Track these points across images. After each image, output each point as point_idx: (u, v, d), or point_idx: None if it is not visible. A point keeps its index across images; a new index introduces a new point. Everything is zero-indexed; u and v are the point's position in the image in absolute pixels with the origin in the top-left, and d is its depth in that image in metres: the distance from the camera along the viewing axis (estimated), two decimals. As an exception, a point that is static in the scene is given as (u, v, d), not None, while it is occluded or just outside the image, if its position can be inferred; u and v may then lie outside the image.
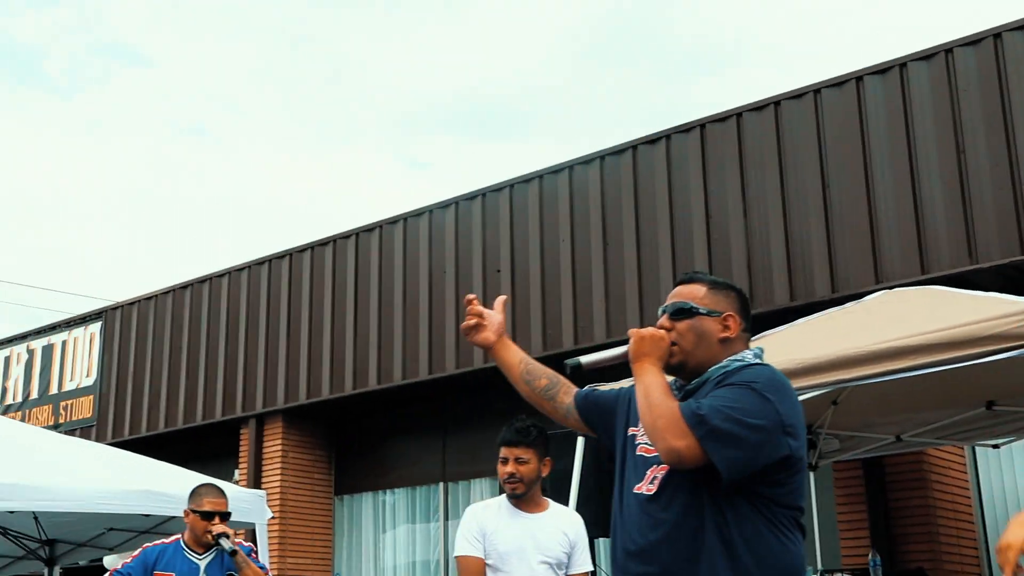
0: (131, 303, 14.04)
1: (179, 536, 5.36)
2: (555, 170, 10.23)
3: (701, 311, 2.67)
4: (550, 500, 4.53)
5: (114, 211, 42.77)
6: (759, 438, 2.44)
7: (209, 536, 5.10)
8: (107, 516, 8.92)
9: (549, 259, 10.09)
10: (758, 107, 9.00)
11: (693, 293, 2.72)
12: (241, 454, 12.48)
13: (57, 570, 10.94)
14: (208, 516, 5.24)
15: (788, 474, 2.52)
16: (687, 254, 9.16)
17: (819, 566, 8.01)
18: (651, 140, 9.64)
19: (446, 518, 11.46)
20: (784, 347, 6.31)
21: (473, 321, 3.20)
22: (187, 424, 12.88)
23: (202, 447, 12.97)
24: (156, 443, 13.16)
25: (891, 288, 6.97)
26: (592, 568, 4.45)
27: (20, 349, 15.47)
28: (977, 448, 8.53)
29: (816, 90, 8.69)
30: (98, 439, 13.37)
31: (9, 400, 15.31)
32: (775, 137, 8.86)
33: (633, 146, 9.71)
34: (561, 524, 4.40)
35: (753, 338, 6.61)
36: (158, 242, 41.19)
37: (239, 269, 12.86)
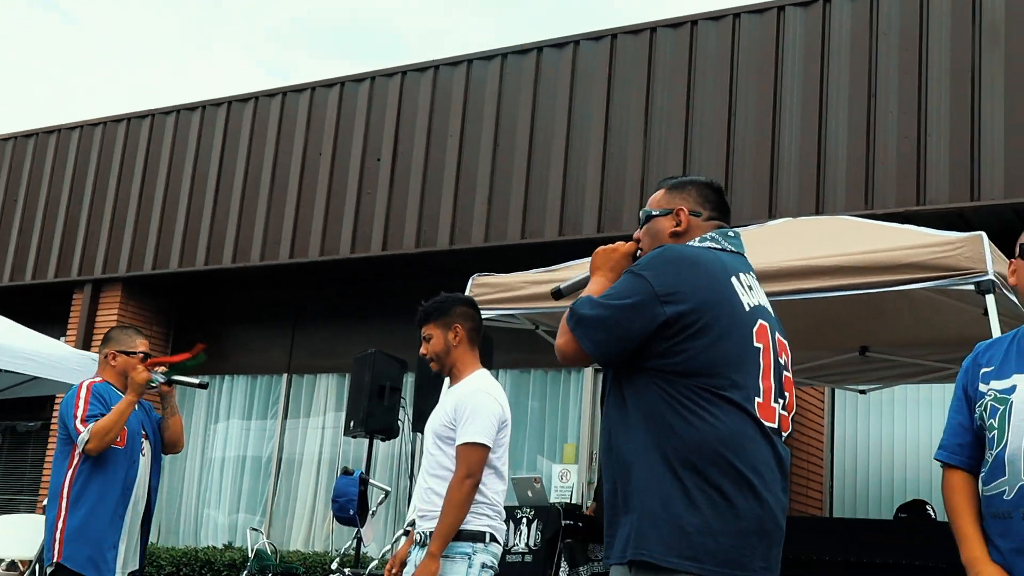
0: (-35, 145, 12.90)
1: (100, 378, 4.76)
2: (453, 62, 9.76)
3: (654, 213, 2.76)
4: (480, 372, 4.14)
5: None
6: (625, 315, 2.47)
7: (144, 375, 4.57)
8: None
9: (434, 154, 9.64)
10: (674, 24, 8.73)
11: (653, 199, 2.82)
12: (71, 321, 11.64)
13: None
14: (145, 358, 4.75)
15: (678, 340, 2.47)
16: (580, 165, 8.87)
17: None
18: (558, 44, 9.27)
19: (285, 414, 10.97)
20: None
21: None
22: (14, 281, 11.94)
23: (27, 308, 12.03)
24: (-24, 298, 12.19)
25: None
26: (474, 440, 3.94)
27: None
28: (838, 392, 8.58)
29: (736, 14, 8.47)
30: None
31: None
32: (687, 57, 8.62)
33: (539, 47, 9.33)
34: (455, 396, 4.03)
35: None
36: (6, 87, 38.62)
37: (93, 124, 11.94)
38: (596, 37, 9.09)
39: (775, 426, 2.54)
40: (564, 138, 9.00)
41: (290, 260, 10.17)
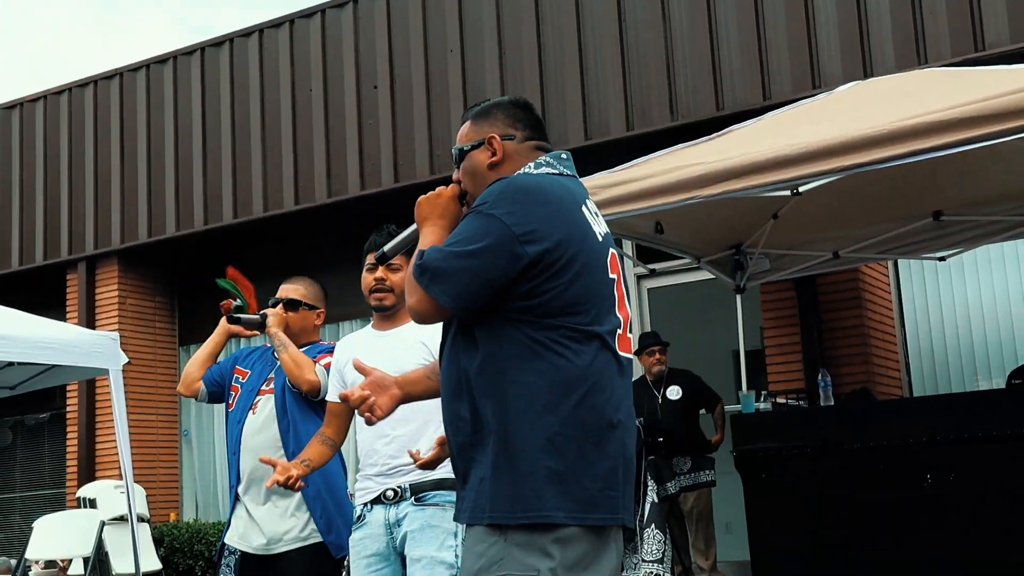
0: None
1: None
2: (305, 15, 9.18)
3: (466, 148, 2.58)
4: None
5: None
6: (483, 261, 2.30)
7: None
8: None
9: (435, 72, 9.04)
10: None
11: (461, 134, 2.63)
12: (69, 303, 11.04)
13: None
14: (275, 303, 4.14)
15: (541, 280, 2.32)
16: (597, 63, 8.30)
17: (743, 389, 7.55)
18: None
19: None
20: (743, 143, 5.62)
21: (369, 402, 2.63)
22: (1, 270, 11.30)
23: (20, 297, 11.41)
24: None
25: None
26: None
27: None
28: (906, 264, 8.18)
29: None
30: None
31: None
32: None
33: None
34: (420, 333, 3.43)
35: (714, 136, 5.92)
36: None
37: (56, 92, 11.20)
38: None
39: (630, 356, 2.46)
40: (575, 36, 8.41)
41: (295, 207, 9.59)
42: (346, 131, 9.38)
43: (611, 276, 2.42)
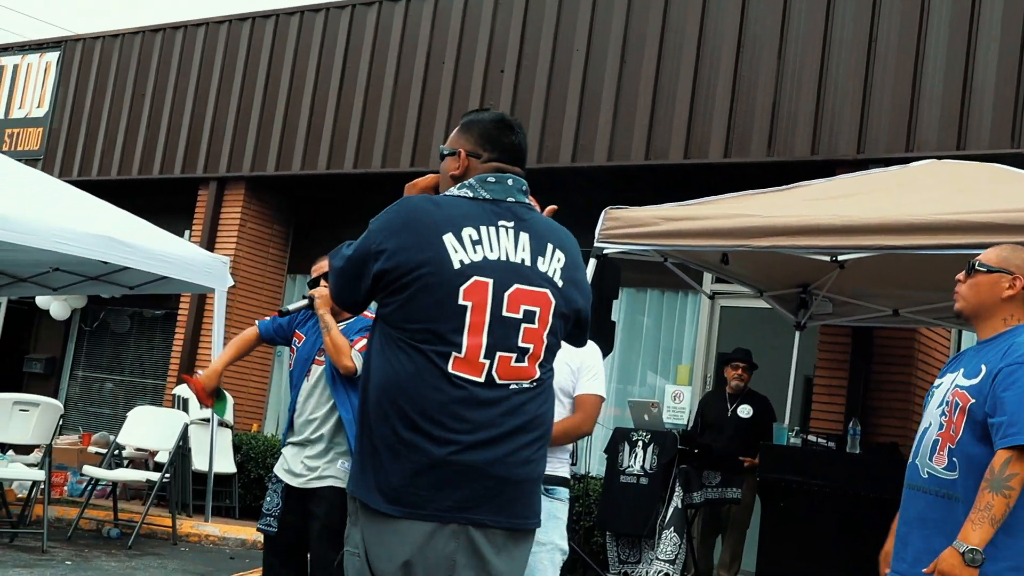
0: (95, 37, 13.14)
1: None
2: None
3: (444, 152, 2.76)
4: None
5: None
6: (351, 268, 2.64)
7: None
8: (56, 255, 8.48)
9: (559, 67, 9.53)
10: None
11: (450, 136, 2.80)
12: (196, 217, 11.95)
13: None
14: (314, 283, 4.68)
15: (387, 294, 2.59)
16: (709, 85, 8.68)
17: (785, 423, 7.92)
18: (692, -42, 8.99)
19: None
20: (803, 202, 5.98)
21: None
22: (143, 175, 12.26)
23: (155, 201, 12.38)
24: (106, 189, 12.49)
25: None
26: (600, 394, 4.26)
27: (-32, 66, 14.51)
28: (964, 334, 8.42)
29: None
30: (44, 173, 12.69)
31: (-50, 118, 14.44)
32: (828, -23, 8.30)
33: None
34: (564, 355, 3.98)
35: (788, 187, 6.29)
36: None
37: (218, 22, 12.04)
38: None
39: (480, 379, 2.54)
40: (694, 57, 8.80)
41: (411, 168, 10.23)
42: (468, 106, 9.95)
43: (462, 303, 2.52)
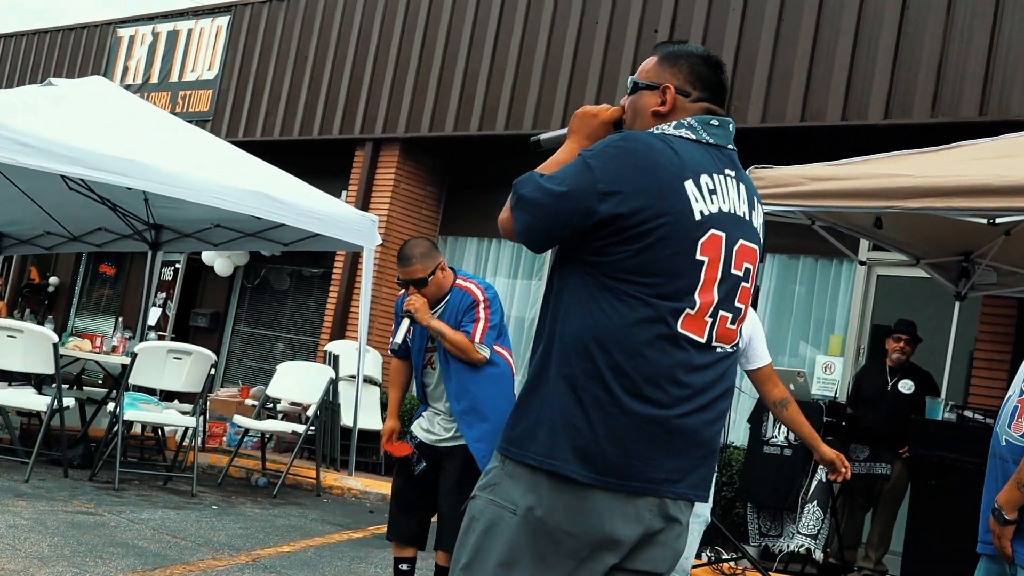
0: (263, 1, 13.50)
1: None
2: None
3: (641, 85, 2.52)
4: None
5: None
6: (559, 205, 2.30)
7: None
8: (216, 211, 8.77)
9: (713, 28, 9.27)
10: None
11: (644, 67, 2.56)
12: (352, 176, 12.18)
13: (160, 256, 10.99)
14: (404, 286, 4.88)
15: (609, 242, 2.31)
16: (871, 42, 8.29)
17: (943, 398, 7.55)
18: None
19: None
20: (977, 162, 5.65)
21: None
22: (303, 136, 12.57)
23: (314, 162, 12.70)
24: (269, 148, 12.91)
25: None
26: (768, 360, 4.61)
27: (146, 30, 15.15)
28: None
29: None
30: (212, 134, 13.15)
31: (129, 80, 15.12)
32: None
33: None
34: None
35: (941, 147, 5.95)
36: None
37: (378, -17, 12.19)
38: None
39: (702, 340, 2.35)
40: (856, 11, 8.41)
41: (562, 131, 10.13)
42: (620, 69, 9.79)
43: (699, 258, 2.33)
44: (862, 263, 8.45)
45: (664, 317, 2.31)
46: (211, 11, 14.28)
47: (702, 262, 2.34)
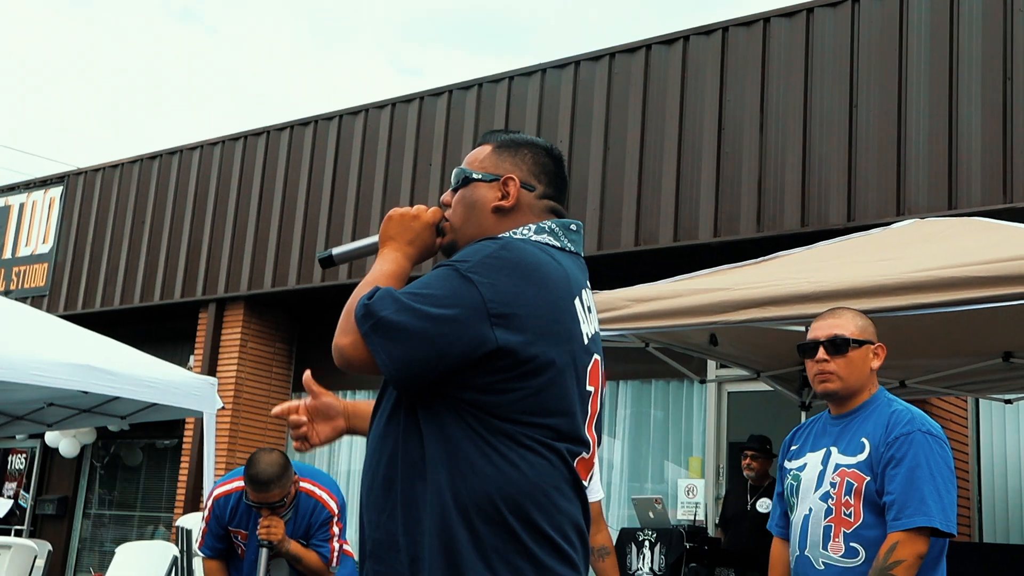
0: (96, 169, 13.24)
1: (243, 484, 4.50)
2: (559, 64, 9.46)
3: (474, 176, 2.18)
4: None
5: (90, 83, 41.46)
6: (442, 331, 1.92)
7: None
8: (48, 390, 8.32)
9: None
10: (788, 13, 8.24)
11: (475, 157, 2.22)
12: (198, 339, 11.82)
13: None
14: (256, 507, 4.42)
15: (505, 376, 1.95)
16: (694, 166, 8.46)
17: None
18: (667, 40, 8.87)
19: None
20: (793, 271, 5.70)
21: (303, 429, 2.33)
22: (144, 302, 12.18)
23: (158, 328, 12.31)
24: (110, 320, 12.50)
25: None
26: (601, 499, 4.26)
27: (-24, 209, 14.67)
28: (982, 402, 7.98)
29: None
30: (49, 310, 12.66)
31: (-39, 261, 14.54)
32: (803, 47, 8.12)
33: (647, 45, 8.95)
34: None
35: (760, 259, 6.01)
36: (134, 115, 39.98)
37: (212, 143, 12.07)
38: (707, 31, 8.66)
39: (586, 483, 2.08)
40: (676, 138, 8.60)
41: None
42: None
43: (588, 388, 2.06)
44: (701, 382, 8.43)
45: (566, 459, 2.01)
46: (43, 183, 13.93)
47: (590, 393, 2.08)
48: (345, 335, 1.99)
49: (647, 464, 9.31)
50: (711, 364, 8.66)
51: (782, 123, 8.12)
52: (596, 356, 2.10)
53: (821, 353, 3.26)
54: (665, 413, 9.33)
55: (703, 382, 8.02)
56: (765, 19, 8.38)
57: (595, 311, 2.18)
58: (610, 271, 8.96)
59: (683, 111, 8.62)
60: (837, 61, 7.96)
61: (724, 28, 8.57)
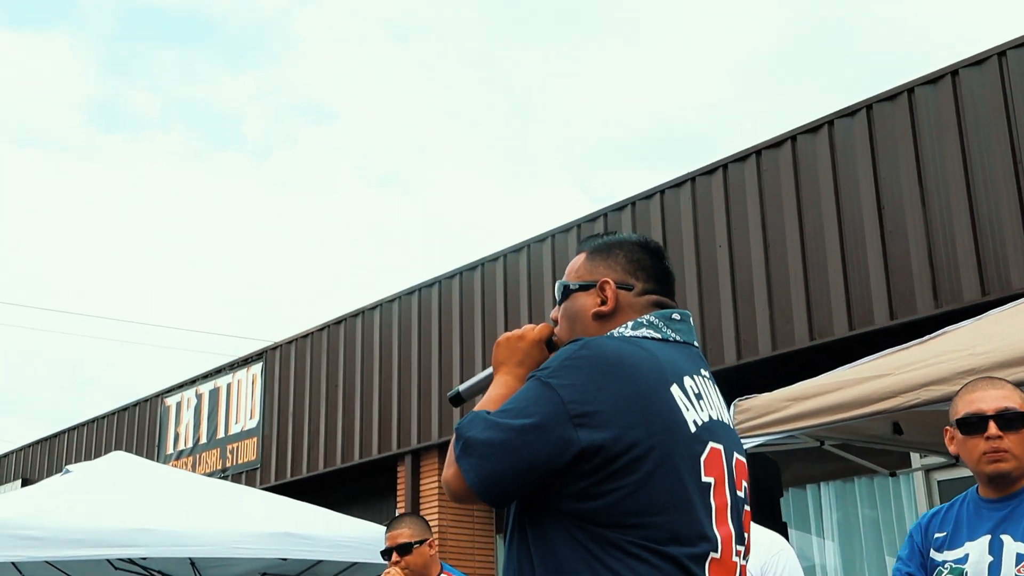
0: (289, 342, 13.88)
1: None
2: (708, 170, 9.39)
3: (572, 287, 2.16)
4: None
5: (293, 256, 43.94)
6: (525, 441, 1.85)
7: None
8: (257, 561, 8.62)
9: (706, 266, 9.23)
10: (932, 79, 7.96)
11: (572, 267, 2.21)
12: (399, 492, 12.02)
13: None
14: (386, 554, 4.66)
15: (597, 479, 1.86)
16: (859, 250, 8.16)
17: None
18: (812, 128, 8.70)
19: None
20: (971, 342, 5.33)
21: None
22: (345, 463, 12.52)
23: (362, 486, 12.62)
24: (318, 484, 12.90)
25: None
26: None
27: (189, 394, 15.57)
28: None
29: (1000, 53, 7.61)
30: (262, 482, 13.21)
31: (181, 446, 15.40)
32: (953, 111, 7.80)
33: (791, 137, 8.80)
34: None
35: (943, 331, 5.67)
36: (325, 282, 42.01)
37: (390, 300, 12.49)
38: (850, 112, 8.46)
39: None
40: (836, 224, 8.34)
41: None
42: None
43: (705, 479, 1.93)
44: (892, 475, 7.93)
45: (683, 565, 1.85)
46: (245, 361, 14.68)
47: (709, 484, 1.94)
48: (447, 467, 1.96)
49: (863, 565, 8.77)
50: (914, 454, 8.16)
51: (944, 192, 7.77)
52: (713, 444, 1.97)
53: (993, 429, 2.92)
54: (874, 511, 8.81)
55: (893, 475, 7.57)
56: (908, 90, 8.12)
57: (713, 398, 2.08)
58: (787, 369, 8.66)
59: (839, 196, 8.38)
60: (993, 119, 7.60)
61: (868, 106, 8.35)
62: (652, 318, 2.09)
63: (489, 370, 2.26)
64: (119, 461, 9.43)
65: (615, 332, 2.08)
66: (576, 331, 2.13)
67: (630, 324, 2.08)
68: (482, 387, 2.31)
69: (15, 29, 36.46)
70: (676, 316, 2.11)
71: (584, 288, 2.15)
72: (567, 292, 2.18)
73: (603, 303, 2.12)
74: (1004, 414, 2.92)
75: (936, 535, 2.99)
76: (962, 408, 3.07)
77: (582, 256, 2.21)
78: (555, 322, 2.21)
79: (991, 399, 3.01)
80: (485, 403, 2.08)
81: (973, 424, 2.98)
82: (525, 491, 1.90)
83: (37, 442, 18.50)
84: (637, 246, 2.19)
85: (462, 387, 2.38)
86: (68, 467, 9.01)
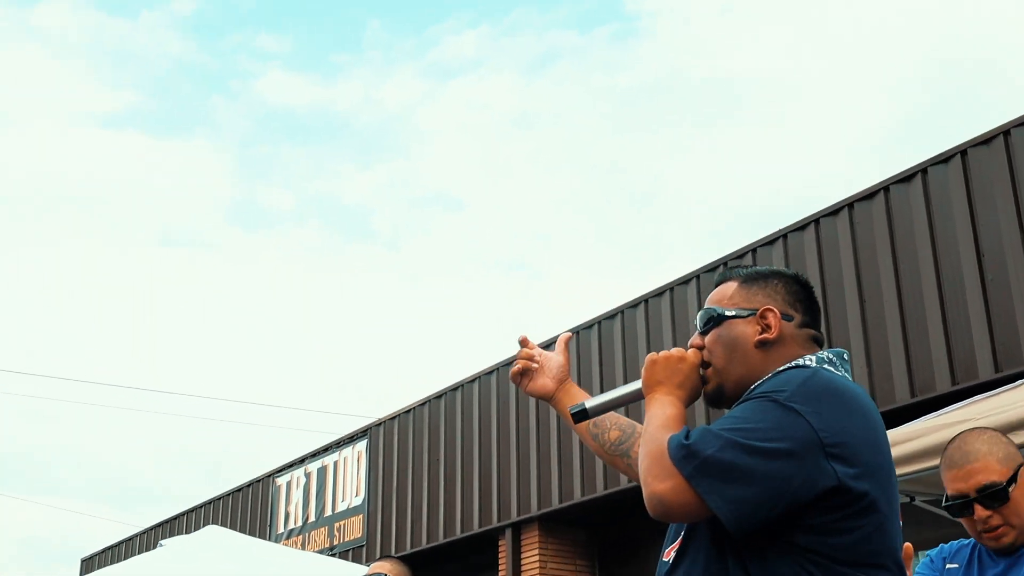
0: (392, 418, 13.91)
1: None
2: (800, 226, 9.14)
3: (728, 314, 2.05)
4: None
5: (411, 338, 44.31)
6: (779, 466, 1.72)
7: None
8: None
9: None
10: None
11: (722, 294, 2.10)
12: (500, 567, 11.81)
13: None
14: None
15: (844, 514, 1.75)
16: (959, 300, 7.78)
17: None
18: (905, 177, 8.40)
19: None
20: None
21: (520, 366, 2.49)
22: (448, 538, 12.39)
23: (465, 560, 12.45)
24: (423, 559, 12.77)
25: None
26: None
27: (299, 473, 15.70)
28: None
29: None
30: (368, 560, 13.13)
31: (291, 525, 15.48)
32: (1051, 150, 7.44)
33: (884, 187, 8.51)
34: None
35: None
36: (427, 359, 42.21)
37: (488, 373, 12.42)
38: (944, 159, 8.14)
39: None
40: (934, 275, 7.99)
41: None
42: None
43: (899, 524, 1.89)
44: None
45: None
46: (351, 439, 14.75)
47: (901, 529, 1.90)
48: (661, 480, 1.80)
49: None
50: None
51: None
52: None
53: (980, 512, 2.72)
54: None
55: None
56: (1004, 132, 7.79)
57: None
58: (888, 426, 8.26)
59: (935, 246, 8.03)
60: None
61: (962, 151, 8.03)
62: (830, 355, 2.00)
63: (630, 388, 2.14)
64: (213, 536, 9.48)
65: (803, 360, 1.97)
66: (736, 360, 2.03)
67: (812, 358, 1.98)
68: (618, 404, 2.20)
69: (159, 137, 38.24)
70: (846, 356, 2.04)
71: (743, 316, 2.05)
72: (720, 319, 2.07)
73: (765, 331, 2.02)
74: (986, 492, 2.71)
75: (949, 565, 2.84)
76: (946, 484, 2.84)
77: (734, 284, 2.11)
78: (700, 348, 2.09)
79: (970, 475, 2.78)
80: (665, 422, 1.93)
81: (960, 507, 2.80)
82: (771, 519, 1.75)
83: (155, 526, 18.85)
84: (792, 279, 2.12)
85: (590, 403, 2.25)
86: (162, 541, 9.09)
